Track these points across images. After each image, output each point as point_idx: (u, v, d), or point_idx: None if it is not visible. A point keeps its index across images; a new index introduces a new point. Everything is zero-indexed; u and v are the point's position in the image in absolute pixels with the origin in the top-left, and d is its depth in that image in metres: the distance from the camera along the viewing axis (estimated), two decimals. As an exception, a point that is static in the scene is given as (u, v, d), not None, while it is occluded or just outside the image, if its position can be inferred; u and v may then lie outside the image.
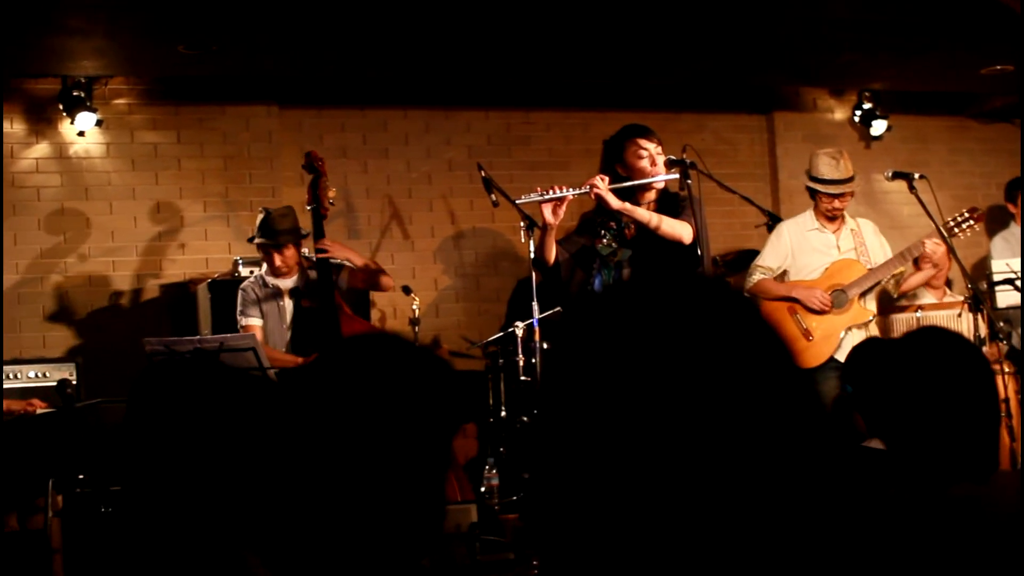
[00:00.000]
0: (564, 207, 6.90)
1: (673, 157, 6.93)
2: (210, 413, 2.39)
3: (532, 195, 6.90)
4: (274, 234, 7.55)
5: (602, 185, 6.83)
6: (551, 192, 6.84)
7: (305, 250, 7.79)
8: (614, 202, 6.82)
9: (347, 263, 7.66)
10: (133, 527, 2.40)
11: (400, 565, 1.88)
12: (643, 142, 7.08)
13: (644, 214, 6.87)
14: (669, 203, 7.07)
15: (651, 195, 7.11)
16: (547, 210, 6.88)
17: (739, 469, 1.20)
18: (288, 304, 7.59)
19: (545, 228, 6.94)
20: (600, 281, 7.04)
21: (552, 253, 7.02)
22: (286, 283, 7.61)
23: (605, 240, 7.09)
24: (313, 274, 7.60)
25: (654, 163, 7.03)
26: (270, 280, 7.62)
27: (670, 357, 1.23)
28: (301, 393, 1.91)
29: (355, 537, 1.84)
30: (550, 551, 1.28)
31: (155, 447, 2.39)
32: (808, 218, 7.73)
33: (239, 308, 7.59)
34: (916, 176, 7.32)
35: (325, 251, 7.43)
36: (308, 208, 7.66)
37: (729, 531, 1.20)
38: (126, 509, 2.43)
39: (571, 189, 6.88)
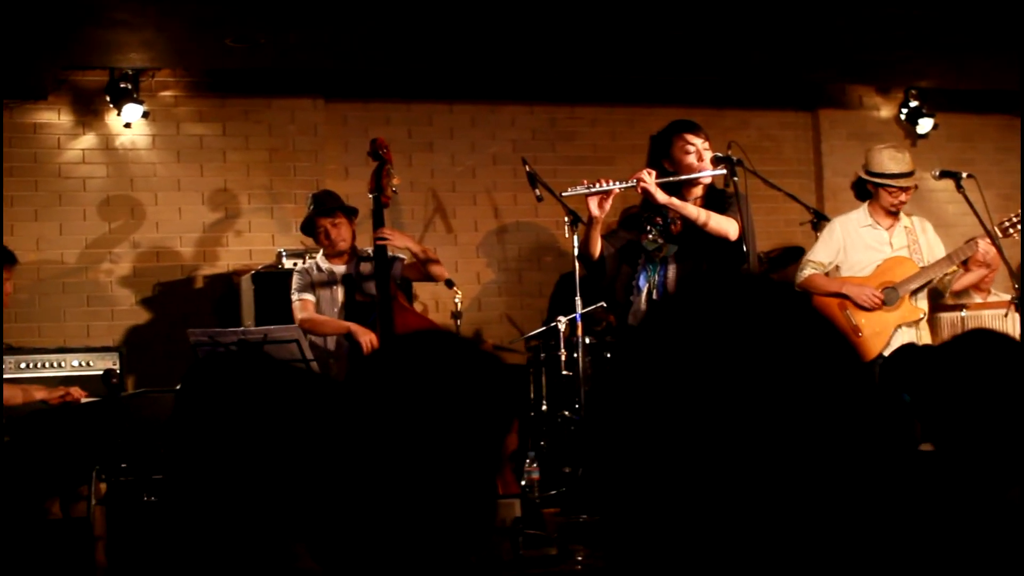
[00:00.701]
0: (610, 201, 6.85)
1: (720, 154, 6.88)
2: (262, 405, 2.39)
3: (579, 188, 6.86)
4: (323, 203, 7.57)
5: (649, 179, 6.78)
6: (598, 185, 6.79)
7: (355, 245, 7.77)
8: (661, 197, 6.77)
9: (406, 252, 7.63)
10: (178, 516, 2.41)
11: (449, 560, 1.88)
12: (690, 137, 7.02)
13: (692, 210, 6.82)
14: (715, 199, 7.02)
15: (698, 191, 7.06)
16: (593, 203, 6.83)
17: (809, 465, 1.19)
18: (340, 291, 7.57)
19: (591, 222, 6.90)
20: (645, 277, 7.00)
21: (597, 247, 6.97)
22: (339, 269, 7.60)
23: (651, 235, 7.03)
24: (366, 266, 7.59)
25: (701, 159, 6.97)
26: (324, 265, 7.60)
27: (735, 358, 1.22)
28: (357, 387, 1.91)
29: (405, 532, 1.84)
30: (621, 552, 1.28)
31: (205, 437, 2.40)
32: (862, 214, 7.67)
33: (294, 286, 7.56)
34: (964, 175, 7.27)
35: (385, 239, 7.39)
36: (370, 195, 7.60)
37: (799, 529, 1.19)
38: (172, 498, 2.43)
39: (618, 183, 6.83)
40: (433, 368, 1.88)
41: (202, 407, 2.43)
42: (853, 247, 7.62)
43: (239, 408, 2.38)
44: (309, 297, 7.53)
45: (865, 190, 7.69)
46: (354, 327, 7.24)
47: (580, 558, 5.77)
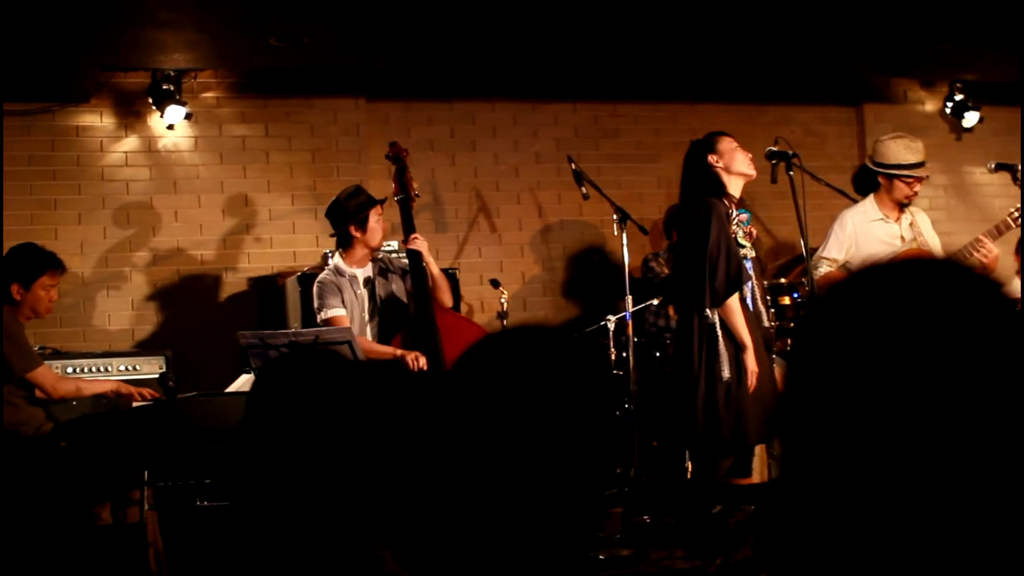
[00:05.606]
0: None
1: (774, 148, 6.79)
2: (341, 404, 2.33)
3: None
4: (367, 194, 7.48)
5: None
6: None
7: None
8: None
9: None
10: (254, 520, 2.35)
11: (551, 565, 1.81)
12: (731, 137, 6.88)
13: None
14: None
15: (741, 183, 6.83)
16: None
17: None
18: (364, 293, 7.43)
19: None
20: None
21: None
22: (361, 272, 7.45)
23: (739, 236, 6.76)
24: (389, 274, 7.48)
25: (746, 154, 6.81)
26: (347, 269, 7.44)
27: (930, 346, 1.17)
28: (456, 387, 1.84)
29: (507, 537, 1.78)
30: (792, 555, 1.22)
31: (282, 438, 2.34)
32: (870, 207, 7.50)
33: (318, 302, 7.31)
34: (1021, 168, 7.16)
35: (420, 248, 7.30)
36: (396, 199, 7.53)
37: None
38: (247, 502, 2.37)
39: None
40: (540, 364, 1.81)
41: (278, 407, 2.37)
42: (866, 241, 7.44)
43: (317, 407, 2.32)
44: (339, 312, 7.26)
45: (870, 182, 7.52)
46: (400, 353, 7.11)
47: (653, 558, 5.73)
